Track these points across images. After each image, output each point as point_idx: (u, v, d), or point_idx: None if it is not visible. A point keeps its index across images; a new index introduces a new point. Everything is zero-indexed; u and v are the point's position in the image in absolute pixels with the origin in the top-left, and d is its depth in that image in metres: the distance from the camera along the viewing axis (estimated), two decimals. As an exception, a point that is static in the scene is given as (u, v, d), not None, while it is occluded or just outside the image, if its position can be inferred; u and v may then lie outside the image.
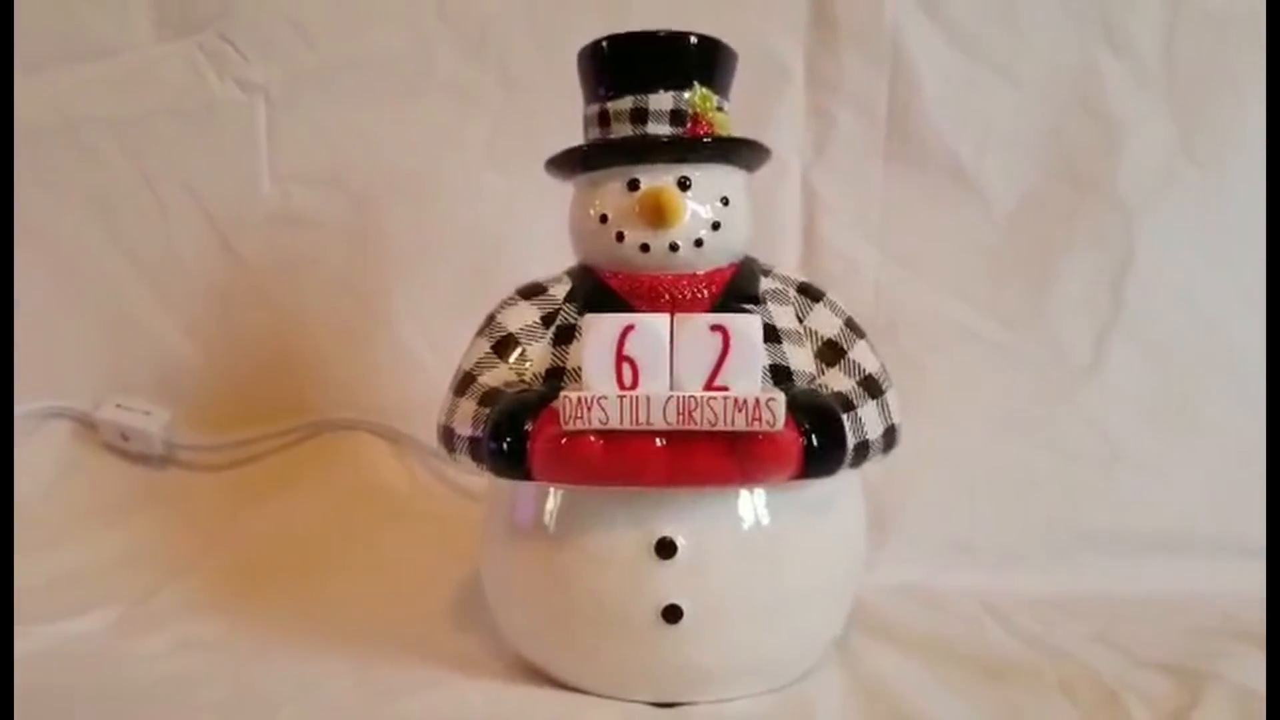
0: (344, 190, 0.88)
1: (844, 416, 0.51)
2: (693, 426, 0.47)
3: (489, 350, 0.55)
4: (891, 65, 0.83)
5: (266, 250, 0.89)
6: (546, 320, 0.55)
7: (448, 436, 0.54)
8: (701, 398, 0.47)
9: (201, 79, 0.87)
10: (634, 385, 0.47)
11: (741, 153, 0.56)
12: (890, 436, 0.54)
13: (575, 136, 0.57)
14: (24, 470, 0.82)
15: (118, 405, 0.86)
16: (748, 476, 0.48)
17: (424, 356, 0.86)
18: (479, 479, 0.55)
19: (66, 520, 0.79)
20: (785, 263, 0.57)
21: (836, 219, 0.85)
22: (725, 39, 0.56)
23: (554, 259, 0.58)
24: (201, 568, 0.73)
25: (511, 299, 0.57)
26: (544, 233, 0.58)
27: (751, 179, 0.57)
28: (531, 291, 0.56)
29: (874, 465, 0.54)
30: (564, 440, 0.47)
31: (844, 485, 0.54)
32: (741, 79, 0.58)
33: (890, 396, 0.55)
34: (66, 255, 0.88)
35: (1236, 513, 0.75)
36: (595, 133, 0.56)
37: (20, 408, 0.84)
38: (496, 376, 0.54)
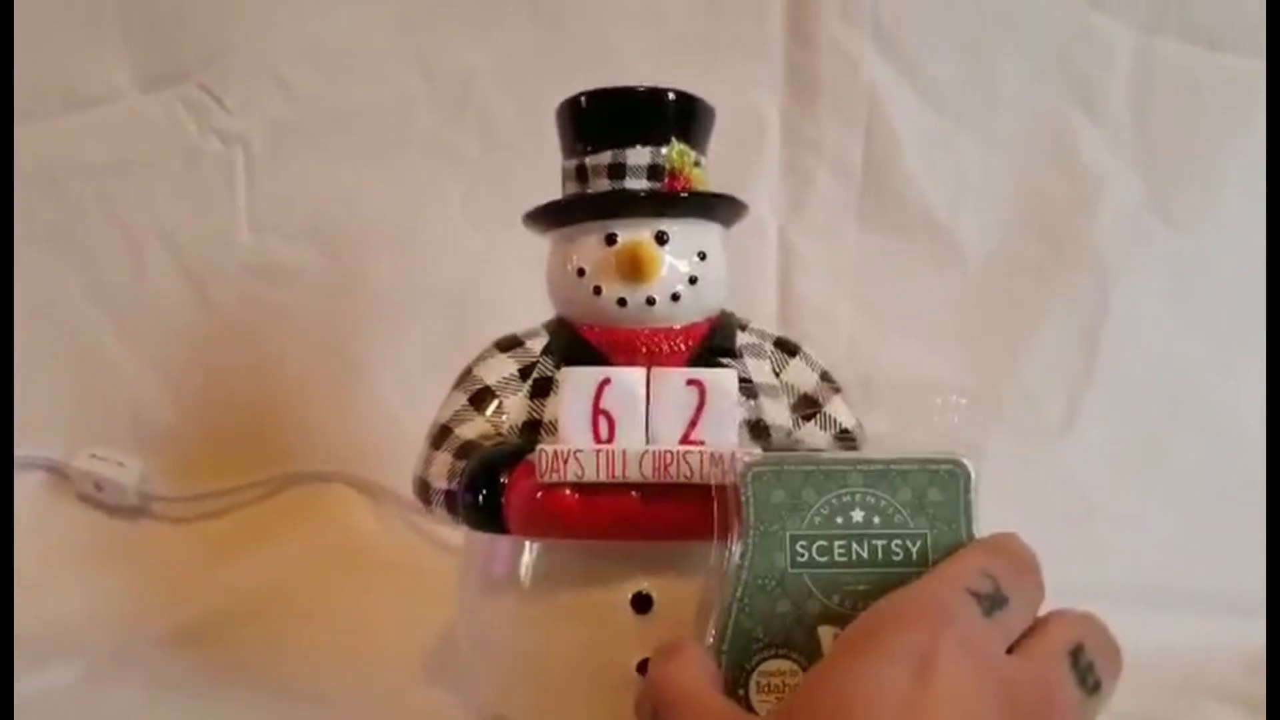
0: (322, 242, 0.88)
1: (819, 471, 0.51)
2: (669, 480, 0.47)
3: (466, 403, 0.55)
4: (867, 123, 0.84)
5: (243, 301, 0.88)
6: (524, 373, 0.55)
7: (423, 489, 0.54)
8: (678, 452, 0.47)
9: (181, 130, 0.87)
10: (610, 439, 0.47)
11: (718, 208, 0.56)
12: (865, 491, 0.54)
13: (553, 191, 0.57)
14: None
15: (92, 455, 0.85)
16: (724, 531, 0.48)
17: (400, 409, 0.85)
18: (455, 532, 0.55)
19: (38, 570, 0.78)
20: (761, 318, 0.58)
21: (812, 274, 0.85)
22: (703, 96, 0.57)
23: (531, 312, 0.58)
24: (173, 619, 0.72)
25: (489, 352, 0.56)
26: (521, 286, 0.58)
27: (728, 234, 0.57)
28: (509, 344, 0.56)
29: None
30: (540, 494, 0.47)
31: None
32: (719, 135, 0.58)
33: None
34: (42, 303, 0.88)
35: (1210, 568, 0.75)
36: (573, 187, 0.56)
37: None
38: (473, 429, 0.53)
